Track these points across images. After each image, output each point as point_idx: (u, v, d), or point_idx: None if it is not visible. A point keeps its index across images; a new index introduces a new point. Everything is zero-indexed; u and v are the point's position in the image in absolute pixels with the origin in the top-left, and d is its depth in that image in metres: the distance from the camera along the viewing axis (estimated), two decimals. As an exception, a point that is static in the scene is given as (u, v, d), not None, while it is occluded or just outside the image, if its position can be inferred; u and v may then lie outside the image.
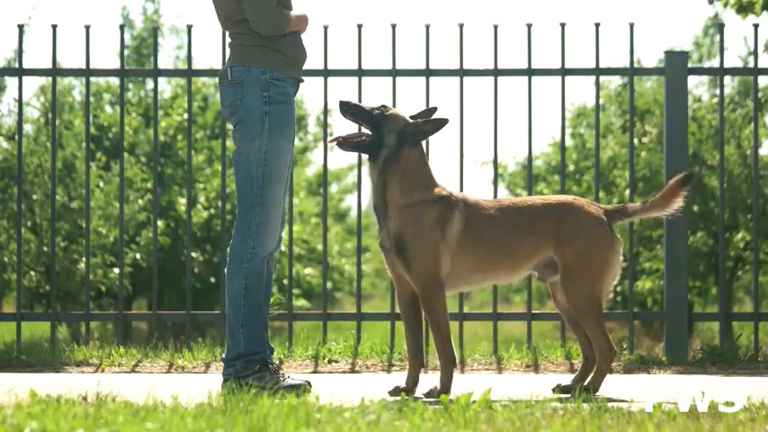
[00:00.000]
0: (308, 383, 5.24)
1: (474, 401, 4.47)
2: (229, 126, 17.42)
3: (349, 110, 5.25)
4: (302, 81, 5.41)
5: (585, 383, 5.19)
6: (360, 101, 7.50)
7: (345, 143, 5.24)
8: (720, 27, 7.59)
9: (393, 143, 5.18)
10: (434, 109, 5.32)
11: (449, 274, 5.13)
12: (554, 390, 5.27)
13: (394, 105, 7.47)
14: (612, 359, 5.20)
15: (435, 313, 5.09)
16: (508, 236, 5.16)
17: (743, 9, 7.96)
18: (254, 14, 5.19)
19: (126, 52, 19.96)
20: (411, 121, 5.22)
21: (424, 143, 5.30)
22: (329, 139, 5.34)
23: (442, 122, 5.21)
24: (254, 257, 5.23)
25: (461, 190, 7.49)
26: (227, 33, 5.39)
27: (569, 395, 5.07)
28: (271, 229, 5.25)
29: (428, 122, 5.21)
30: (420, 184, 5.15)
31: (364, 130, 5.30)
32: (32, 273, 14.95)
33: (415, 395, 5.14)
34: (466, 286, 5.24)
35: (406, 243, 5.09)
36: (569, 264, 5.12)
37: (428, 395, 5.09)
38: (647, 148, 15.97)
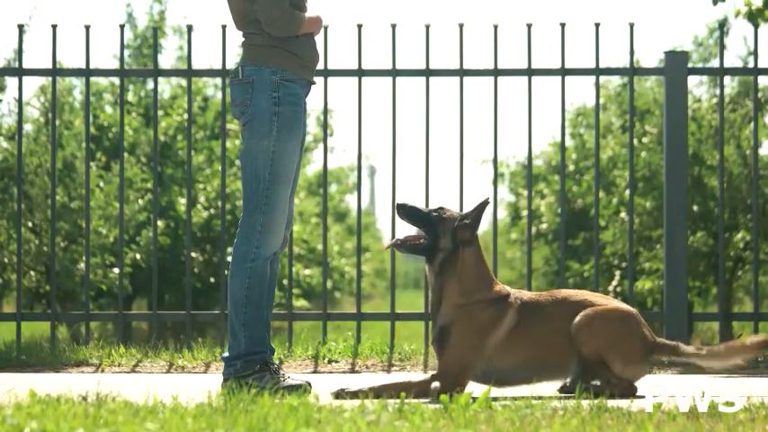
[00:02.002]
0: (308, 383, 5.24)
1: (474, 401, 4.47)
2: (230, 126, 17.19)
3: (406, 212, 5.25)
4: (314, 83, 5.41)
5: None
6: (360, 101, 7.50)
7: (403, 246, 5.23)
8: (721, 28, 7.59)
9: (449, 245, 5.17)
10: (486, 201, 5.27)
11: (491, 373, 5.07)
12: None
13: (394, 105, 7.47)
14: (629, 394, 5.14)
15: (419, 386, 5.01)
16: (555, 333, 5.11)
17: (754, 16, 7.95)
18: (266, 15, 5.19)
19: (127, 52, 19.96)
20: (461, 220, 5.20)
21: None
22: (388, 243, 5.32)
23: (483, 206, 5.20)
24: (258, 257, 5.23)
25: (461, 190, 7.49)
26: (239, 33, 5.39)
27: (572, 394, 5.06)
28: (275, 229, 5.26)
29: (469, 214, 5.21)
30: (479, 285, 5.14)
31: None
32: (32, 273, 14.95)
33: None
34: (516, 383, 5.14)
35: (450, 333, 5.07)
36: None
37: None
38: (647, 148, 15.97)
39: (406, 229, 5.36)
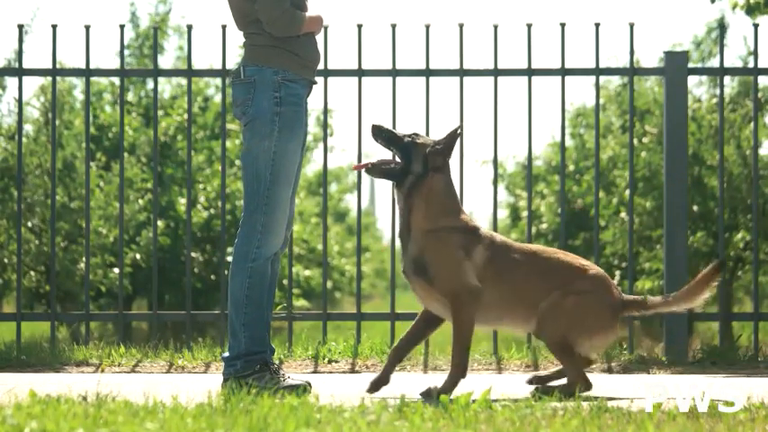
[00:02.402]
0: (308, 383, 5.24)
1: (474, 401, 4.47)
2: (230, 126, 17.16)
3: (381, 134, 5.26)
4: (315, 83, 5.41)
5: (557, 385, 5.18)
6: (360, 101, 7.50)
7: (375, 169, 5.25)
8: (721, 27, 7.58)
9: (419, 170, 5.17)
10: (458, 129, 5.27)
11: None
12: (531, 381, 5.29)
13: (394, 105, 7.47)
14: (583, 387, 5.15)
15: (461, 322, 5.03)
16: (523, 282, 5.12)
17: (752, 10, 7.94)
18: (266, 15, 5.19)
19: (128, 51, 19.97)
20: (434, 146, 5.21)
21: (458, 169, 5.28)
22: (359, 164, 5.33)
23: (454, 133, 5.21)
24: (258, 257, 5.23)
25: (461, 190, 7.49)
26: (241, 33, 5.39)
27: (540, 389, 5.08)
28: (276, 229, 5.26)
29: (441, 141, 5.21)
30: (446, 211, 5.15)
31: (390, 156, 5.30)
32: (32, 273, 14.95)
33: (413, 394, 5.12)
34: (480, 323, 5.15)
35: (426, 262, 5.07)
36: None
37: (425, 394, 5.07)
38: (647, 148, 15.97)
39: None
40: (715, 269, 5.17)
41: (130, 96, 19.02)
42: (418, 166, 5.18)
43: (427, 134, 7.49)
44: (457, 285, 5.03)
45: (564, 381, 5.17)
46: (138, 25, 20.26)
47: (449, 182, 5.21)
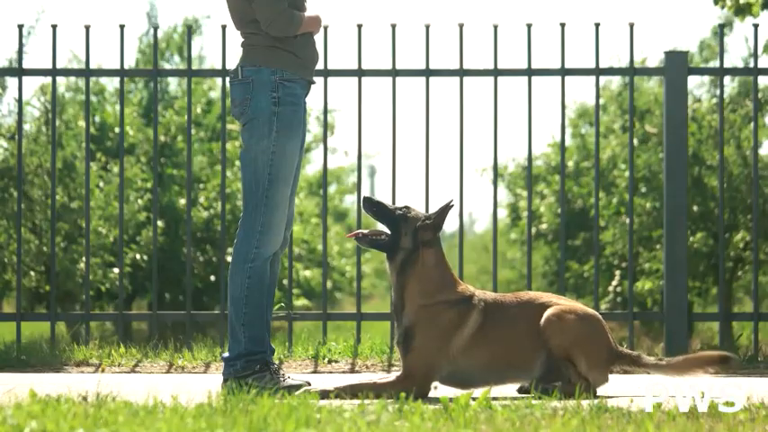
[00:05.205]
0: (308, 384, 5.24)
1: (474, 401, 4.47)
2: (231, 126, 17.18)
3: (372, 207, 5.26)
4: (313, 83, 5.41)
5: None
6: (360, 101, 7.50)
7: (364, 239, 5.25)
8: (721, 27, 7.59)
9: (409, 245, 5.17)
10: (450, 204, 5.27)
11: (454, 374, 5.09)
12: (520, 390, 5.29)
13: (394, 105, 7.47)
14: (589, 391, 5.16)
15: (390, 385, 5.02)
16: (520, 336, 5.12)
17: (741, 11, 7.95)
18: (264, 15, 5.19)
19: (129, 51, 19.97)
20: (424, 220, 5.20)
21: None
22: (350, 233, 5.34)
23: (446, 208, 5.20)
24: (258, 258, 5.23)
25: (461, 190, 7.48)
26: (238, 33, 5.39)
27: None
28: (275, 229, 5.25)
29: (432, 215, 5.21)
30: (440, 285, 5.15)
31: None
32: (32, 273, 14.95)
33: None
34: (478, 384, 5.14)
35: (413, 335, 5.07)
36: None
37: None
38: (648, 148, 15.98)
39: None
40: (722, 359, 5.15)
41: (131, 97, 19.02)
42: (408, 241, 5.17)
43: (427, 135, 7.49)
44: (419, 368, 5.04)
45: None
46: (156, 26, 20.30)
47: (440, 255, 5.20)
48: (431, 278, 5.14)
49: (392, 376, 5.14)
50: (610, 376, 5.24)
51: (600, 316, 5.24)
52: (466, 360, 5.08)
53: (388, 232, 5.22)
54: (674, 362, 5.19)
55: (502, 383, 5.19)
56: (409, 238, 5.18)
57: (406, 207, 5.27)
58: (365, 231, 5.28)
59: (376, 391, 4.95)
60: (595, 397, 5.04)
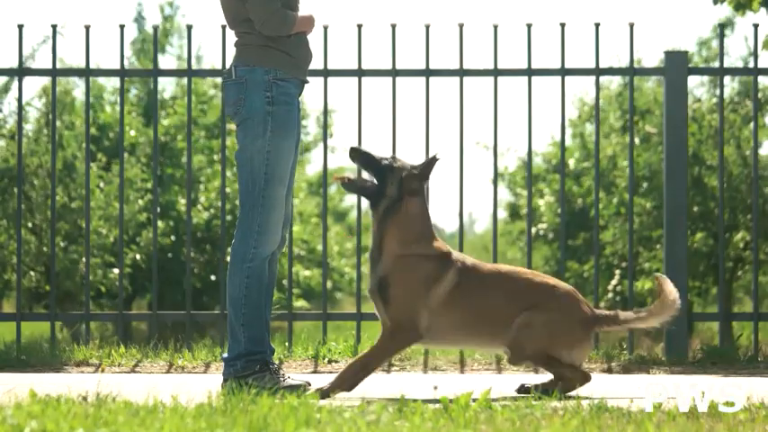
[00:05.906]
0: (308, 383, 5.24)
1: (474, 401, 4.47)
2: (230, 126, 17.16)
3: (358, 156, 5.28)
4: (307, 82, 5.41)
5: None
6: (360, 101, 7.50)
7: (350, 185, 5.27)
8: (721, 27, 7.59)
9: (394, 193, 5.18)
10: (436, 156, 5.29)
11: (429, 329, 5.10)
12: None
13: (394, 105, 7.47)
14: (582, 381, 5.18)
15: (383, 348, 5.06)
16: (492, 303, 5.14)
17: (740, 6, 7.94)
18: (257, 15, 5.19)
19: (129, 52, 19.98)
20: (411, 170, 5.21)
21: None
22: (336, 176, 5.34)
23: (433, 160, 5.23)
24: (256, 257, 5.23)
25: (461, 189, 7.48)
26: (232, 33, 5.39)
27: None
28: (272, 229, 5.25)
29: (418, 166, 5.23)
30: (419, 237, 5.15)
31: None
32: (32, 273, 14.95)
33: (413, 394, 5.12)
34: (448, 344, 5.22)
35: (389, 283, 5.08)
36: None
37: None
38: (648, 148, 15.98)
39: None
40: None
41: (131, 96, 19.03)
42: (393, 190, 5.19)
43: (427, 135, 7.49)
44: (404, 317, 5.06)
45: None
46: (143, 25, 20.28)
47: (424, 207, 5.22)
48: (411, 228, 5.15)
49: (380, 337, 5.12)
50: (609, 376, 5.24)
51: (570, 289, 5.25)
52: (440, 316, 5.08)
53: (375, 181, 5.24)
54: (652, 309, 5.20)
55: (477, 346, 5.27)
56: (395, 187, 5.19)
57: (393, 157, 5.29)
58: (351, 176, 5.30)
59: (371, 360, 5.00)
60: (589, 380, 5.08)
